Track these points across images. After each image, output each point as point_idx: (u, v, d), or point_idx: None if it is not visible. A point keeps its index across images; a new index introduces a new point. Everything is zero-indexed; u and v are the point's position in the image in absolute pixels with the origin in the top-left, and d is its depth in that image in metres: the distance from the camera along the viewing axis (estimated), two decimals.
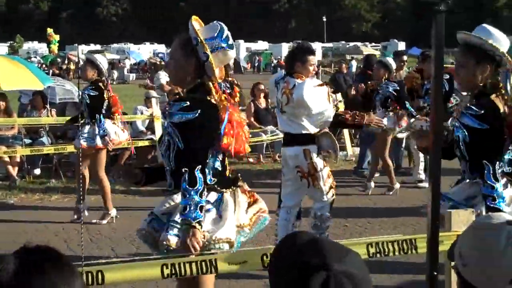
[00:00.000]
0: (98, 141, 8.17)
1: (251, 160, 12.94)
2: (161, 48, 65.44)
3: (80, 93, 8.87)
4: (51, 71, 25.99)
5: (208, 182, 3.65)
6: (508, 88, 4.03)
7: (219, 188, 3.70)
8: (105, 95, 8.28)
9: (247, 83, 20.17)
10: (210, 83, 3.71)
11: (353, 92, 15.12)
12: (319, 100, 6.16)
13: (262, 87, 13.50)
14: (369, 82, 10.32)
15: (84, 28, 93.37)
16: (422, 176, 10.56)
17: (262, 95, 13.44)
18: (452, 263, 2.17)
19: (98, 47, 73.32)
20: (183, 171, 3.48)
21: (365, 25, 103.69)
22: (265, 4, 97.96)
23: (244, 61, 59.86)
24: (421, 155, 10.52)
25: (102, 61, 8.59)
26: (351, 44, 68.06)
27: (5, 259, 1.60)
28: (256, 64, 62.07)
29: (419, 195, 9.18)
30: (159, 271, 3.04)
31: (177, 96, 3.81)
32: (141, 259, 3.24)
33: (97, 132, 8.18)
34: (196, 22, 3.76)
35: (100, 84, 8.31)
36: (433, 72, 2.87)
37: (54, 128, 12.26)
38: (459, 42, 4.02)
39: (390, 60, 10.12)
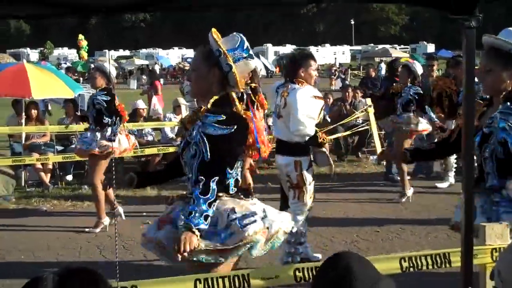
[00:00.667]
0: (94, 147, 8.22)
1: None
2: (190, 53, 65.71)
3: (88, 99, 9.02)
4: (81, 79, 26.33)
5: (231, 192, 3.71)
6: None
7: (242, 196, 3.74)
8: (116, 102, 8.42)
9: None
10: (234, 94, 3.76)
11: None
12: (309, 110, 6.20)
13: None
14: (393, 85, 10.28)
15: (113, 34, 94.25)
16: (452, 180, 10.49)
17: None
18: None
19: (127, 52, 73.99)
20: (199, 179, 3.52)
21: (393, 27, 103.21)
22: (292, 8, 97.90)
23: (272, 65, 59.81)
24: (453, 159, 10.46)
25: (112, 71, 8.76)
26: (380, 46, 67.75)
27: (47, 278, 1.67)
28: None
29: (451, 200, 9.08)
30: (192, 286, 3.06)
31: (209, 107, 3.75)
32: (172, 272, 3.26)
33: (98, 138, 8.26)
34: (215, 34, 3.81)
35: (111, 90, 8.45)
36: (464, 86, 2.87)
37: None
38: (485, 45, 3.97)
39: (417, 64, 10.03)
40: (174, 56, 66.22)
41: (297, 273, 3.12)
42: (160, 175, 4.36)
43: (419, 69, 9.85)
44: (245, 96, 4.01)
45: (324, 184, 10.79)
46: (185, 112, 12.79)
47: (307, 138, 6.25)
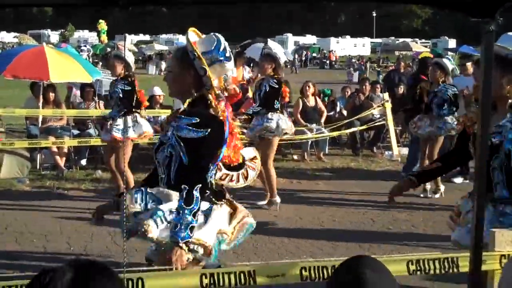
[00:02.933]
0: (131, 133, 8.41)
1: (295, 157, 12.95)
2: None
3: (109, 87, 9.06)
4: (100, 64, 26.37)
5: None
6: None
7: (213, 200, 3.71)
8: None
9: (293, 77, 20.30)
10: (210, 95, 3.71)
11: (400, 91, 14.98)
12: None
13: (311, 85, 13.48)
14: (421, 85, 10.09)
15: (134, 18, 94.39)
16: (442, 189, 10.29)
17: (311, 93, 13.41)
18: None
19: (147, 37, 74.09)
20: (182, 187, 3.48)
21: (416, 21, 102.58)
22: None
23: (291, 55, 59.71)
24: None
25: (129, 56, 8.76)
26: (401, 40, 67.35)
27: (61, 268, 1.70)
28: (304, 58, 61.88)
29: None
30: (198, 280, 3.06)
31: (185, 108, 3.76)
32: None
33: (130, 124, 8.36)
34: (193, 33, 3.78)
35: (132, 78, 8.52)
36: (481, 93, 2.82)
37: (101, 120, 12.43)
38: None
39: (446, 61, 9.82)
40: None
41: (303, 272, 3.11)
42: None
43: (449, 66, 9.67)
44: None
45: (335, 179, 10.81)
46: None
47: None
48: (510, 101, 3.85)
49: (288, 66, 55.04)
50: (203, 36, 3.85)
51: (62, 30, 77.11)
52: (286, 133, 8.95)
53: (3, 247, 7.10)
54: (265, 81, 8.69)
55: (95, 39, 65.09)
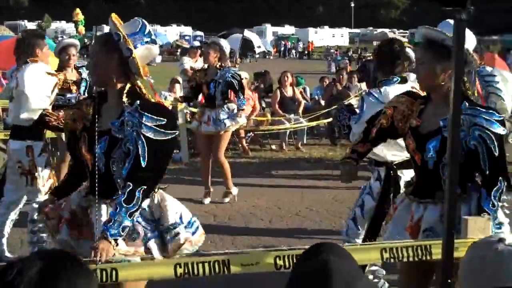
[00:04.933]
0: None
1: (273, 147, 12.98)
2: (188, 30, 65.48)
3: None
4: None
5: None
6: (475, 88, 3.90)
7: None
8: None
9: (272, 68, 20.27)
10: (140, 84, 3.59)
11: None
12: (39, 88, 5.99)
13: (289, 75, 13.52)
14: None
15: (112, 9, 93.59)
16: None
17: (289, 83, 13.45)
18: None
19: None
20: (127, 185, 3.35)
21: (394, 11, 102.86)
22: None
23: (270, 46, 59.67)
24: None
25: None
26: (379, 30, 67.54)
27: (28, 260, 1.68)
28: (282, 49, 61.90)
29: None
30: (172, 270, 3.06)
31: (125, 101, 3.52)
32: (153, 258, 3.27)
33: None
34: (115, 19, 3.61)
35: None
36: (453, 78, 2.84)
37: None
38: (422, 37, 3.85)
39: (410, 51, 9.83)
40: (172, 33, 65.79)
41: (277, 260, 3.11)
42: (70, 185, 3.90)
43: (413, 55, 9.68)
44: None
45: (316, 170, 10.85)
46: (179, 91, 12.78)
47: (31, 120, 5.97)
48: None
49: (267, 57, 55.09)
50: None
51: (39, 21, 76.26)
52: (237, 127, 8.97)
53: None
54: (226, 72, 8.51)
55: (73, 30, 64.49)
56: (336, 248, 1.91)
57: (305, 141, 13.27)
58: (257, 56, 51.62)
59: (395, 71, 5.09)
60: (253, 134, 12.97)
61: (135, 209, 3.32)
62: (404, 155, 4.91)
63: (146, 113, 3.41)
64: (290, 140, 13.17)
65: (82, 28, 57.53)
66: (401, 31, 71.61)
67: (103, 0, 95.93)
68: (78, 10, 57.21)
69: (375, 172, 5.19)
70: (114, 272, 3.00)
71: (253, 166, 11.27)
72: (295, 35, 67.00)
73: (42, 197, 6.04)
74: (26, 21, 74.78)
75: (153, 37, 3.61)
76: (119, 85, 3.55)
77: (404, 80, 5.09)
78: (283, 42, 62.55)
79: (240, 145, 12.43)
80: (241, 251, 3.77)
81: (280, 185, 9.84)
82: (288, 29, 71.47)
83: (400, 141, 4.75)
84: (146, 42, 3.56)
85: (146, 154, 3.37)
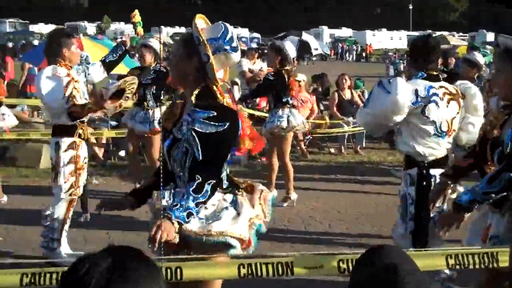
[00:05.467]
0: (156, 125, 8.38)
1: (332, 150, 12.94)
2: (245, 32, 65.63)
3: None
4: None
5: (224, 187, 3.58)
6: None
7: (235, 191, 3.61)
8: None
9: (330, 71, 20.16)
10: (215, 87, 3.56)
11: None
12: (49, 93, 6.03)
13: (347, 78, 13.45)
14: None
15: (170, 10, 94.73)
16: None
17: (347, 86, 13.38)
18: None
19: (182, 29, 74.30)
20: (196, 177, 3.35)
21: (453, 14, 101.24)
22: None
23: (327, 48, 59.40)
24: None
25: (156, 45, 8.73)
26: (438, 33, 66.54)
27: (97, 256, 1.70)
28: (339, 51, 61.55)
29: None
30: (236, 271, 3.08)
31: (193, 101, 3.55)
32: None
33: (151, 119, 8.46)
34: (201, 20, 3.63)
35: (163, 68, 8.53)
36: None
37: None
38: (500, 46, 3.81)
39: (478, 56, 9.65)
40: None
41: (340, 264, 3.11)
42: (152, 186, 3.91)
43: (481, 60, 9.46)
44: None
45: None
46: (237, 93, 12.85)
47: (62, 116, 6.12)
48: None
49: (324, 59, 54.80)
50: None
51: (99, 22, 77.57)
52: (297, 129, 8.84)
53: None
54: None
55: (131, 31, 65.43)
56: (402, 252, 1.89)
57: (363, 145, 13.17)
58: (314, 58, 51.44)
59: (428, 67, 5.00)
60: (311, 137, 12.94)
61: (203, 200, 3.32)
62: (438, 153, 4.88)
63: (198, 109, 3.46)
64: (349, 143, 13.10)
65: (140, 29, 58.46)
66: (461, 34, 70.47)
67: (160, 1, 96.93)
68: (136, 12, 58.12)
69: (407, 176, 5.05)
70: (179, 271, 3.04)
71: (311, 169, 11.24)
72: (352, 38, 66.58)
73: (62, 194, 6.20)
74: (86, 22, 76.24)
75: (234, 44, 3.56)
76: (194, 87, 3.57)
77: (433, 78, 4.96)
78: (340, 45, 62.20)
79: (298, 148, 12.42)
80: (303, 253, 3.76)
81: (339, 189, 9.78)
82: (345, 32, 71.05)
83: (426, 137, 4.74)
84: (226, 50, 3.53)
85: (199, 148, 3.40)
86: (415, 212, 4.87)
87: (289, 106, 8.55)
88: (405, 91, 4.73)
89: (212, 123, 3.41)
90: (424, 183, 4.84)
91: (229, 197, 3.56)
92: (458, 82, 5.49)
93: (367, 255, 1.89)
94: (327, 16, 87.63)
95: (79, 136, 6.27)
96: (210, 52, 3.45)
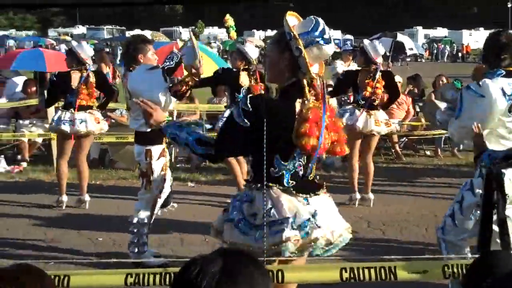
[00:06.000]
0: None
1: (428, 153, 12.68)
2: (337, 34, 65.28)
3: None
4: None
5: (285, 184, 3.56)
6: None
7: (294, 192, 3.57)
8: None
9: (426, 71, 19.79)
10: (305, 81, 3.55)
11: None
12: (150, 85, 5.96)
13: (444, 79, 13.14)
14: None
15: (261, 14, 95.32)
16: None
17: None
18: None
19: (275, 32, 74.65)
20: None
21: None
22: None
23: (422, 49, 58.33)
24: None
25: (251, 50, 8.71)
26: None
27: (210, 258, 1.74)
28: (435, 52, 60.36)
29: None
30: (338, 274, 3.05)
31: (277, 94, 3.67)
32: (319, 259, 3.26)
33: None
34: (292, 17, 3.64)
35: (248, 72, 8.60)
36: None
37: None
38: None
39: None
40: None
41: (445, 269, 3.02)
42: None
43: None
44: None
45: None
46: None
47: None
48: None
49: (419, 60, 53.88)
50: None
51: (193, 27, 79.03)
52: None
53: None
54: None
55: (225, 35, 66.33)
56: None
57: (461, 147, 12.84)
58: (408, 59, 50.66)
59: (502, 65, 4.80)
60: (407, 139, 12.72)
61: (192, 148, 3.60)
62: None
63: (245, 98, 3.50)
64: (446, 146, 12.80)
65: (233, 33, 59.10)
66: None
67: (251, 5, 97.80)
68: (228, 16, 58.79)
69: (477, 169, 4.90)
70: (280, 274, 3.03)
71: (407, 172, 11.05)
72: (448, 38, 65.15)
73: (155, 202, 6.29)
74: (180, 27, 77.81)
75: (326, 36, 3.56)
76: (287, 81, 3.61)
77: (511, 74, 4.76)
78: (435, 45, 60.98)
79: (393, 150, 12.23)
80: (407, 257, 3.69)
81: (435, 192, 9.55)
82: (440, 32, 69.58)
83: (506, 134, 4.54)
84: (318, 42, 3.53)
85: (219, 129, 3.62)
86: (482, 209, 4.71)
87: (359, 105, 8.46)
88: (497, 91, 4.58)
89: (241, 116, 3.44)
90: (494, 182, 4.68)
91: (308, 206, 3.57)
92: None
93: (480, 262, 1.83)
94: (421, 16, 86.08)
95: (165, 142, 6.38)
96: (302, 45, 3.47)
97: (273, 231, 3.44)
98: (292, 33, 3.50)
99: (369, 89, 8.41)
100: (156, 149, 6.25)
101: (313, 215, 3.50)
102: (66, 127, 8.34)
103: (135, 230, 6.34)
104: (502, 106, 4.58)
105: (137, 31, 78.39)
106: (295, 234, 3.43)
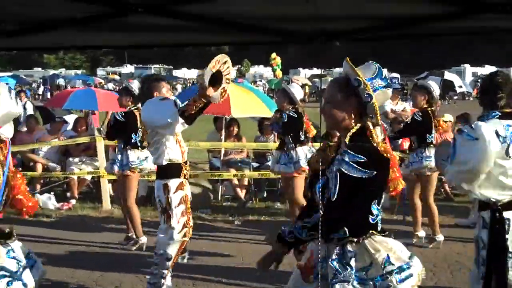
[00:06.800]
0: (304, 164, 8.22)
1: None
2: (384, 72, 64.98)
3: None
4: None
5: (379, 229, 3.53)
6: None
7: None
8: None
9: (473, 111, 19.45)
10: (370, 126, 3.53)
11: None
12: (161, 112, 5.96)
13: None
14: None
15: (307, 52, 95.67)
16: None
17: None
18: None
19: (319, 71, 74.84)
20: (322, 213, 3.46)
21: None
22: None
23: (470, 86, 57.66)
24: None
25: (297, 91, 8.65)
26: None
27: None
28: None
29: None
30: None
31: (347, 141, 3.53)
32: None
33: (295, 159, 8.37)
34: (346, 64, 3.60)
35: (300, 109, 8.54)
36: None
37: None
38: None
39: None
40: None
41: None
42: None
43: None
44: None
45: None
46: (379, 133, 12.65)
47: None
48: None
49: (467, 98, 53.25)
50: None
51: (239, 66, 79.71)
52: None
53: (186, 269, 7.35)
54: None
55: (270, 74, 66.74)
56: None
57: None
58: (455, 97, 50.20)
59: (497, 104, 4.65)
60: None
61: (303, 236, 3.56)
62: (510, 195, 4.50)
63: (349, 151, 3.42)
64: None
65: (279, 72, 59.31)
66: None
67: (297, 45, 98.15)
68: (274, 55, 58.97)
69: (479, 219, 4.68)
70: None
71: (457, 212, 10.81)
72: None
73: (176, 235, 6.21)
74: None
75: (388, 80, 3.59)
76: (350, 128, 3.56)
77: (508, 115, 4.60)
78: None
79: (442, 190, 12.04)
80: None
81: None
82: (488, 69, 68.82)
83: (503, 178, 4.37)
84: (383, 87, 3.54)
85: (337, 189, 3.38)
86: (487, 257, 4.54)
87: (433, 146, 8.45)
88: (491, 133, 4.45)
89: (359, 168, 3.36)
90: (498, 226, 4.52)
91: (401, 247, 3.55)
92: None
93: None
94: (468, 54, 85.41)
95: (184, 176, 6.36)
96: (371, 91, 3.45)
97: (400, 280, 3.44)
98: (361, 79, 3.47)
99: (439, 129, 8.80)
100: (173, 183, 6.24)
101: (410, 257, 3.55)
102: (146, 165, 8.46)
103: (157, 262, 6.30)
104: (496, 149, 4.40)
105: (184, 70, 79.71)
106: (415, 280, 3.51)
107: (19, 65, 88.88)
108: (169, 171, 6.24)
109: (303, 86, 56.31)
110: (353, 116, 3.53)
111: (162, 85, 6.63)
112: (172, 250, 6.25)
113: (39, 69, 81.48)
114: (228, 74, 5.79)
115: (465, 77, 61.11)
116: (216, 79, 5.60)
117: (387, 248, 3.46)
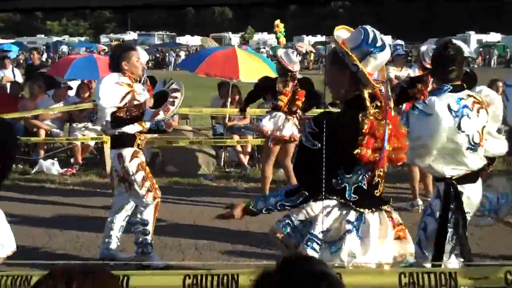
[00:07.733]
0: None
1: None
2: (387, 39, 64.78)
3: None
4: None
5: (347, 198, 3.53)
6: None
7: (357, 208, 3.53)
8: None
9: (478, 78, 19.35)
10: (366, 93, 3.52)
11: None
12: (107, 95, 6.07)
13: (500, 84, 12.86)
14: None
15: (311, 19, 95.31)
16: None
17: (500, 93, 12.79)
18: None
19: (323, 38, 74.51)
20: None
21: None
22: None
23: (474, 54, 57.46)
24: None
25: (289, 58, 8.65)
26: None
27: (268, 270, 1.81)
28: (487, 57, 59.44)
29: None
30: (396, 279, 3.01)
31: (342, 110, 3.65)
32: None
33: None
34: (342, 30, 3.62)
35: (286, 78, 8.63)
36: None
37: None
38: None
39: None
40: None
41: (508, 276, 2.95)
42: None
43: None
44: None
45: None
46: None
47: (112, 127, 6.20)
48: None
49: (472, 65, 53.00)
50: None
51: (242, 33, 79.41)
52: None
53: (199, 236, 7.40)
54: None
55: (274, 41, 66.44)
56: None
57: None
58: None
59: (449, 77, 4.66)
60: None
61: (288, 204, 3.60)
62: (464, 169, 4.56)
63: (311, 122, 3.51)
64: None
65: (283, 39, 59.04)
66: None
67: (301, 12, 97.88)
68: (278, 21, 58.71)
69: (435, 189, 4.80)
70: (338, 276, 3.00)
71: None
72: (501, 43, 64.05)
73: (146, 199, 6.34)
74: (230, 33, 78.30)
75: (378, 43, 3.50)
76: (349, 96, 3.60)
77: (458, 88, 4.62)
78: (489, 50, 60.11)
79: None
80: (467, 263, 3.63)
81: None
82: (493, 37, 68.45)
83: (456, 153, 4.42)
84: (372, 52, 3.49)
85: (296, 155, 3.63)
86: (439, 226, 4.58)
87: None
88: (444, 109, 4.45)
89: (309, 138, 3.46)
90: (451, 199, 4.57)
91: (353, 215, 3.54)
92: (478, 89, 5.13)
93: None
94: (473, 21, 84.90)
95: (138, 146, 6.41)
96: (357, 61, 3.45)
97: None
98: (343, 51, 3.47)
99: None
100: (127, 152, 6.31)
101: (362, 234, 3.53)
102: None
103: (138, 230, 6.44)
104: (449, 124, 4.42)
105: (187, 37, 79.45)
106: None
107: (22, 32, 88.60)
108: (122, 140, 6.33)
109: (307, 53, 56.37)
110: (349, 86, 3.55)
111: (131, 54, 6.45)
112: (147, 214, 6.39)
113: (42, 36, 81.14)
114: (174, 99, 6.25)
115: (470, 44, 60.80)
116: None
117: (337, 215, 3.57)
